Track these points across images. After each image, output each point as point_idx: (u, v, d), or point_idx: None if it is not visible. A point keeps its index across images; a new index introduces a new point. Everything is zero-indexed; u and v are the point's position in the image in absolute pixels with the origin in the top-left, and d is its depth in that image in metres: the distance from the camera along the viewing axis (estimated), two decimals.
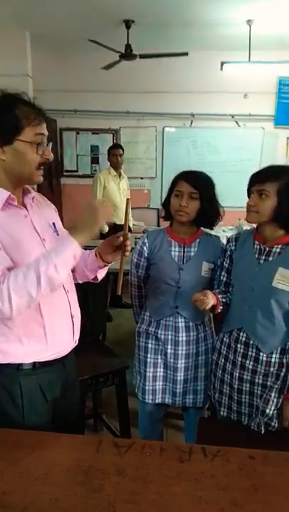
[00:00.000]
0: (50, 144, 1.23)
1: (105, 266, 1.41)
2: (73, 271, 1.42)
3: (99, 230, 1.26)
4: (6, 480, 1.03)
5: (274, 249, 1.55)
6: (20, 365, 1.22)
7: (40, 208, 1.33)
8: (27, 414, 1.25)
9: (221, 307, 1.66)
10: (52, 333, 1.25)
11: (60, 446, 1.17)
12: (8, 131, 1.13)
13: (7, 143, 1.14)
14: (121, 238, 1.31)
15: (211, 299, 1.57)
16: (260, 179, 1.51)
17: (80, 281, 1.47)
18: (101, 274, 1.46)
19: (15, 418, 1.24)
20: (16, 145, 1.14)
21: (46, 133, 1.20)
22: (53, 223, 1.34)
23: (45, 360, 1.26)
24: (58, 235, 1.32)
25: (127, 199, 1.35)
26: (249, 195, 1.56)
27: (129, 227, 1.36)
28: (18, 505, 0.96)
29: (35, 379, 1.25)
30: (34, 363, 1.24)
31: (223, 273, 1.73)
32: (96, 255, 1.38)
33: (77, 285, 1.44)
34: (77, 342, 1.38)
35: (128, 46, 4.33)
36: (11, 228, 1.16)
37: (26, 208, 1.25)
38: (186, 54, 4.25)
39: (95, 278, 1.46)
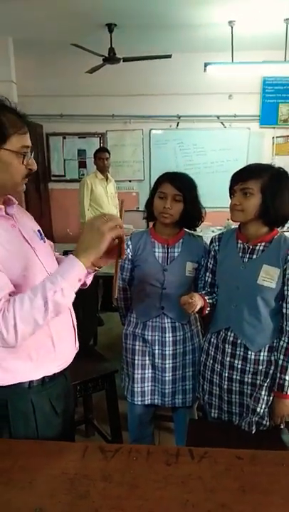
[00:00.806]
0: (32, 154, 1.17)
1: (95, 271, 1.36)
2: None
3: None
4: None
5: (257, 247, 1.56)
6: (30, 382, 1.19)
7: (24, 217, 1.29)
8: (41, 432, 1.22)
9: (208, 308, 1.65)
10: (59, 342, 1.23)
11: (46, 454, 1.15)
12: None
13: None
14: (115, 241, 1.25)
15: (198, 301, 1.55)
16: (242, 178, 1.52)
17: None
18: (89, 280, 1.42)
19: (29, 437, 1.20)
20: (1, 154, 1.08)
21: (30, 143, 1.14)
22: (38, 230, 1.30)
23: (54, 372, 1.23)
24: (44, 242, 1.29)
25: (122, 200, 1.31)
26: (231, 195, 1.57)
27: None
28: None
29: (45, 394, 1.22)
30: (43, 378, 1.21)
31: (207, 274, 1.73)
32: None
33: None
34: (78, 348, 1.35)
35: (111, 50, 4.32)
36: (2, 239, 1.11)
37: (12, 218, 1.20)
38: (169, 56, 4.25)
39: (84, 284, 1.43)
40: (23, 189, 1.19)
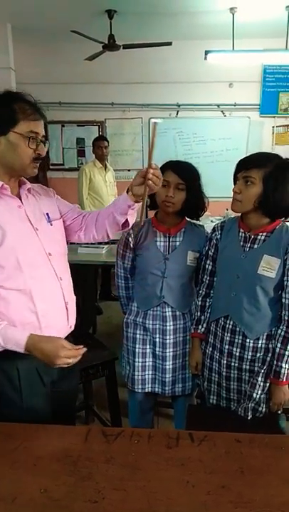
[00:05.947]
0: (48, 144, 1.33)
1: (136, 202, 1.40)
2: (98, 227, 1.50)
3: None
4: None
5: (259, 237, 1.57)
6: None
7: (38, 199, 1.41)
8: (25, 396, 1.30)
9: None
10: (45, 319, 1.31)
11: (49, 437, 1.18)
12: (4, 122, 1.22)
13: (2, 133, 1.23)
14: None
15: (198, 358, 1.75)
16: (246, 166, 1.52)
17: (105, 238, 1.54)
18: (131, 218, 1.48)
19: (13, 399, 1.31)
20: (10, 136, 1.23)
21: (42, 132, 1.28)
22: (47, 213, 1.41)
23: None
24: (51, 225, 1.40)
25: (154, 122, 1.44)
26: (235, 183, 1.57)
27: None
28: (8, 497, 0.97)
29: (31, 362, 1.27)
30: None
31: (208, 262, 1.73)
32: (128, 191, 1.40)
33: None
34: (72, 327, 1.44)
35: (111, 37, 4.28)
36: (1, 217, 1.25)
37: (21, 199, 1.33)
38: (169, 44, 4.21)
39: (126, 223, 1.48)
40: (35, 173, 1.32)
